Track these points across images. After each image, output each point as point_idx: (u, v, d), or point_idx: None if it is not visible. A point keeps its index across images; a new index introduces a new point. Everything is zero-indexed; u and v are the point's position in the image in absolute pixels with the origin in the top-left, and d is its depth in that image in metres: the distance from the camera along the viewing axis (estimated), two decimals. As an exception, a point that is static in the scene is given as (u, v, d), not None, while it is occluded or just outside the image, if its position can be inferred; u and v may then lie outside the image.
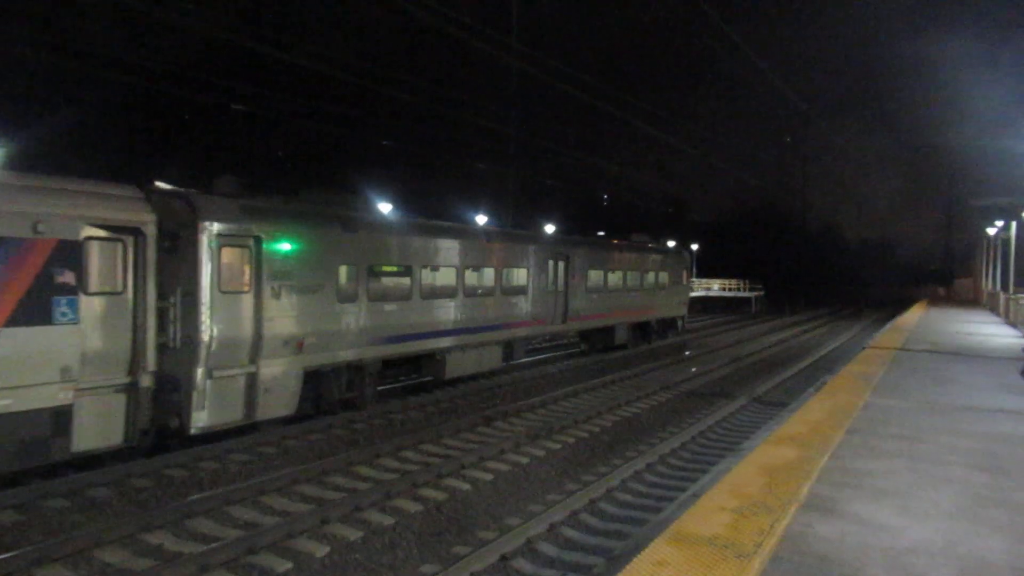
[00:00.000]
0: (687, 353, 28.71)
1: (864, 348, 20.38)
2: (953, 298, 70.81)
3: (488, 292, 19.03)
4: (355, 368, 15.08)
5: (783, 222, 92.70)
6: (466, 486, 11.06)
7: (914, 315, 37.46)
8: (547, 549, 8.83)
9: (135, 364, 10.93)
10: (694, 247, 78.09)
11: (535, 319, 21.13)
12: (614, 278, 26.32)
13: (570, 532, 9.42)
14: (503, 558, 8.34)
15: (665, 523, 5.81)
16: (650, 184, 78.18)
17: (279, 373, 12.92)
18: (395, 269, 16.23)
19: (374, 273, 15.41)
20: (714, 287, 70.15)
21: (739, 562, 5.00)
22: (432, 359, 17.42)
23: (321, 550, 8.55)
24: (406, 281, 16.32)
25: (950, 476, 7.35)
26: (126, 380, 10.87)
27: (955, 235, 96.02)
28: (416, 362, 17.79)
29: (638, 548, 5.24)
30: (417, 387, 18.84)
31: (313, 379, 14.02)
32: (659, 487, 11.54)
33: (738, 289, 69.14)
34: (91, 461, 11.21)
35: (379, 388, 16.56)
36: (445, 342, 17.29)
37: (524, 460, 12.51)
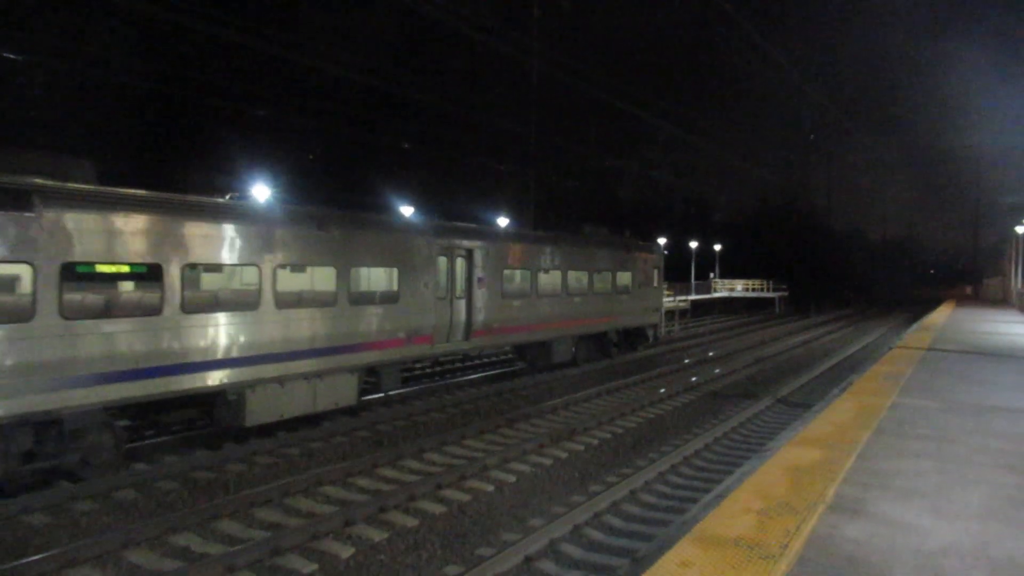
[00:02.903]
0: (710, 354, 28.48)
1: (891, 348, 20.14)
2: (981, 297, 69.83)
3: (326, 301, 13.83)
4: (54, 423, 10.07)
5: (807, 221, 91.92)
6: (489, 487, 11.06)
7: (941, 315, 36.98)
8: (571, 550, 8.81)
9: None
10: (717, 247, 77.77)
11: (413, 336, 15.91)
12: (548, 280, 21.03)
13: (594, 533, 9.40)
14: (527, 559, 8.33)
15: (690, 524, 5.77)
16: (672, 184, 77.87)
17: None
18: (127, 270, 11.12)
19: (75, 275, 10.19)
20: (737, 287, 69.68)
21: (765, 563, 4.96)
22: (221, 399, 12.43)
23: (346, 551, 8.59)
24: (153, 288, 11.17)
25: (980, 477, 7.24)
26: None
27: (983, 233, 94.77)
28: (199, 403, 12.74)
29: (663, 549, 5.21)
30: (439, 389, 18.88)
31: None
32: (683, 488, 11.47)
33: (762, 289, 68.61)
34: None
35: (156, 440, 12.83)
36: (239, 374, 12.17)
37: (547, 462, 12.49)
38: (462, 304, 17.57)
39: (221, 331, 11.95)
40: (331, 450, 13.05)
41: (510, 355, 24.59)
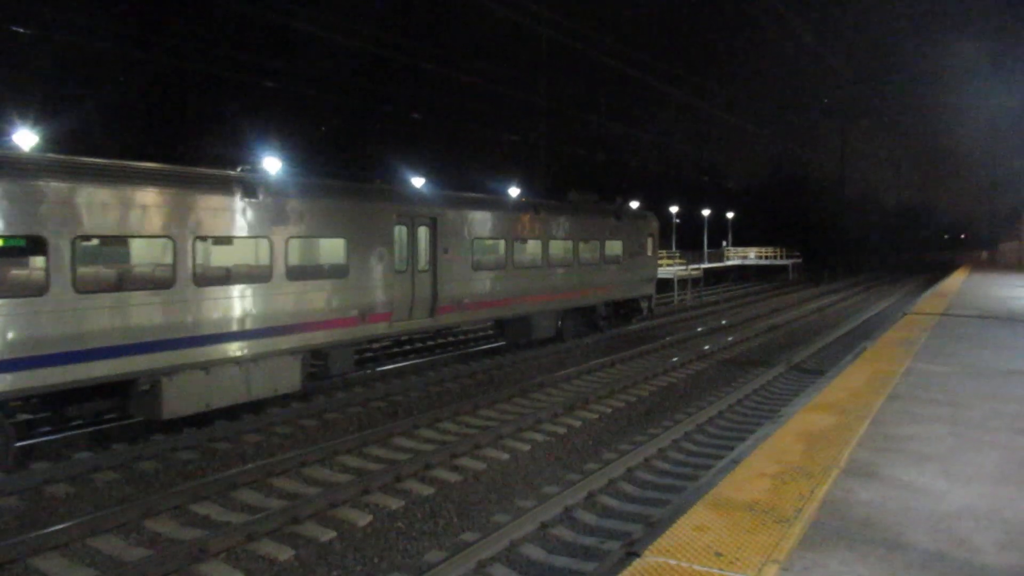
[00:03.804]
0: (723, 322, 28.45)
1: (905, 314, 20.06)
2: (997, 263, 69.25)
3: (258, 276, 12.53)
4: None
5: (820, 188, 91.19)
6: (504, 456, 11.16)
7: (956, 280, 36.74)
8: (586, 517, 8.90)
9: None
10: (730, 215, 77.32)
11: (367, 314, 14.50)
12: (527, 250, 19.67)
13: (609, 500, 9.48)
14: (542, 526, 8.43)
15: (705, 489, 5.82)
16: (684, 152, 77.28)
17: None
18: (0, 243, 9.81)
19: None
20: (750, 255, 69.39)
21: (780, 527, 5.00)
22: (133, 388, 11.01)
23: (363, 519, 8.71)
24: (36, 265, 9.91)
25: (994, 441, 7.24)
26: None
27: (999, 198, 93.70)
28: (111, 393, 11.17)
29: (678, 513, 5.26)
30: (452, 359, 18.98)
31: None
32: (697, 455, 11.54)
33: (775, 257, 68.31)
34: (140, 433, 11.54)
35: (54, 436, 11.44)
36: (150, 360, 10.85)
37: (561, 430, 12.58)
38: (426, 278, 16.13)
39: (127, 312, 10.55)
40: (347, 420, 13.18)
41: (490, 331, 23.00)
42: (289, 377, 13.12)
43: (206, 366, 11.69)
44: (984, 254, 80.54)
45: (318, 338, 13.54)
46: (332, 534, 8.31)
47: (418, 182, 32.30)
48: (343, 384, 15.59)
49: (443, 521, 8.87)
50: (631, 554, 4.60)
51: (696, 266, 48.80)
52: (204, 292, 11.63)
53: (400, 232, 15.46)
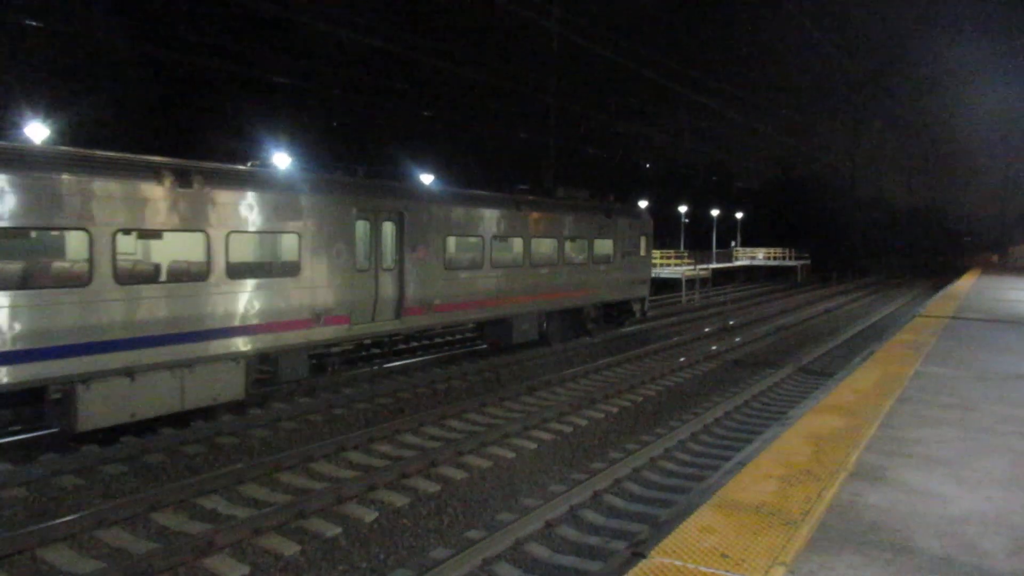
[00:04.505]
0: (731, 322, 28.38)
1: (914, 316, 19.96)
2: (1007, 266, 68.85)
3: (193, 274, 11.49)
4: None
5: (830, 189, 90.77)
6: (510, 454, 11.16)
7: (966, 283, 36.54)
8: (591, 516, 8.89)
9: None
10: (739, 215, 77.10)
11: (323, 315, 13.41)
12: (507, 248, 18.62)
13: (614, 500, 9.47)
14: (548, 525, 8.43)
15: (711, 490, 5.80)
16: (694, 152, 77.02)
17: None
18: None
19: None
20: (759, 255, 69.20)
21: (787, 529, 4.98)
22: (45, 397, 10.13)
23: (369, 515, 8.72)
24: None
25: (1004, 445, 7.20)
26: None
27: (1010, 202, 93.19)
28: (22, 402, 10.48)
29: (684, 514, 5.25)
30: (458, 357, 18.99)
31: None
32: (704, 456, 11.51)
33: (783, 258, 68.12)
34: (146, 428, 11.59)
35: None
36: (62, 366, 9.88)
37: (567, 429, 12.57)
38: (391, 277, 14.97)
39: (34, 313, 9.55)
40: (353, 416, 13.20)
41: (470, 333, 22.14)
42: (231, 384, 12.09)
43: (131, 372, 10.67)
44: (995, 257, 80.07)
45: (265, 342, 12.49)
46: (338, 530, 8.32)
47: (427, 179, 32.30)
48: (350, 380, 15.62)
49: (448, 518, 8.88)
50: (637, 555, 4.60)
51: (704, 266, 48.70)
52: (128, 291, 10.58)
53: (362, 228, 14.40)
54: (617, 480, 10.00)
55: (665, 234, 68.09)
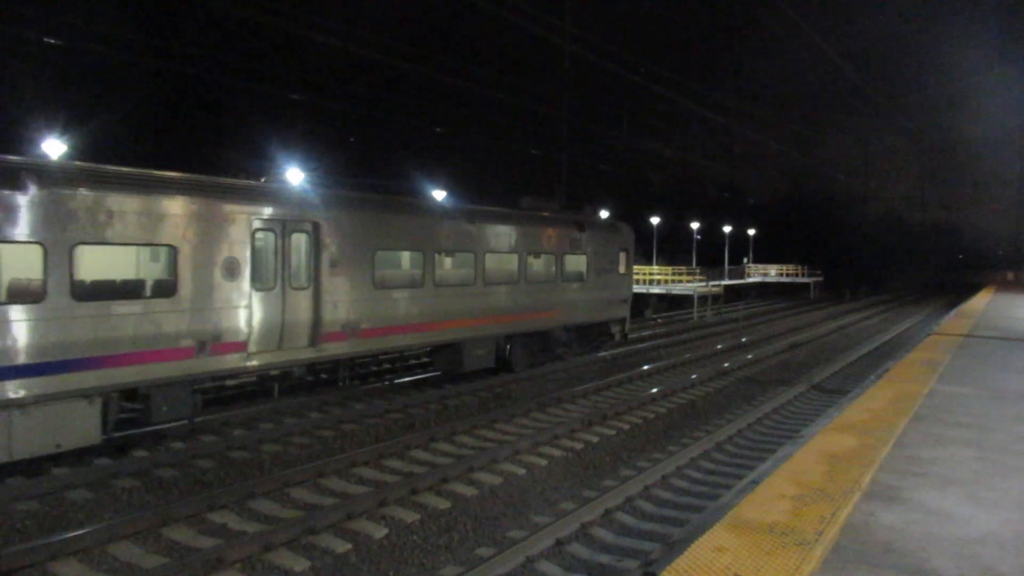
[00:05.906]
0: (744, 339, 28.24)
1: (929, 334, 19.81)
2: (1023, 283, 68.29)
3: (28, 295, 9.47)
4: None
5: (843, 206, 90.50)
6: (521, 471, 11.11)
7: (981, 300, 36.26)
8: (602, 535, 8.83)
9: None
10: (751, 232, 76.90)
11: (210, 343, 11.35)
12: (455, 264, 16.64)
13: (626, 518, 9.41)
14: (558, 543, 8.37)
15: (724, 509, 5.75)
16: (706, 168, 77.07)
17: None
18: None
19: None
20: (771, 272, 68.92)
21: (800, 550, 4.93)
22: None
23: (380, 531, 8.69)
24: None
25: (1020, 466, 7.11)
26: None
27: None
28: None
29: (697, 534, 5.20)
30: (471, 372, 18.93)
31: None
32: (715, 474, 11.43)
33: (796, 274, 67.82)
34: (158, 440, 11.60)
35: None
36: None
37: (579, 446, 12.51)
38: (304, 297, 12.89)
39: None
40: (364, 432, 13.18)
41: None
42: (80, 427, 10.00)
43: None
44: (1010, 275, 79.45)
45: (128, 375, 10.40)
46: (348, 546, 8.29)
47: (440, 195, 32.34)
48: (361, 396, 15.61)
49: (459, 535, 8.84)
50: (649, 574, 4.56)
51: (716, 283, 48.54)
52: None
53: (264, 240, 12.36)
54: (629, 498, 9.93)
55: (678, 250, 68.01)
